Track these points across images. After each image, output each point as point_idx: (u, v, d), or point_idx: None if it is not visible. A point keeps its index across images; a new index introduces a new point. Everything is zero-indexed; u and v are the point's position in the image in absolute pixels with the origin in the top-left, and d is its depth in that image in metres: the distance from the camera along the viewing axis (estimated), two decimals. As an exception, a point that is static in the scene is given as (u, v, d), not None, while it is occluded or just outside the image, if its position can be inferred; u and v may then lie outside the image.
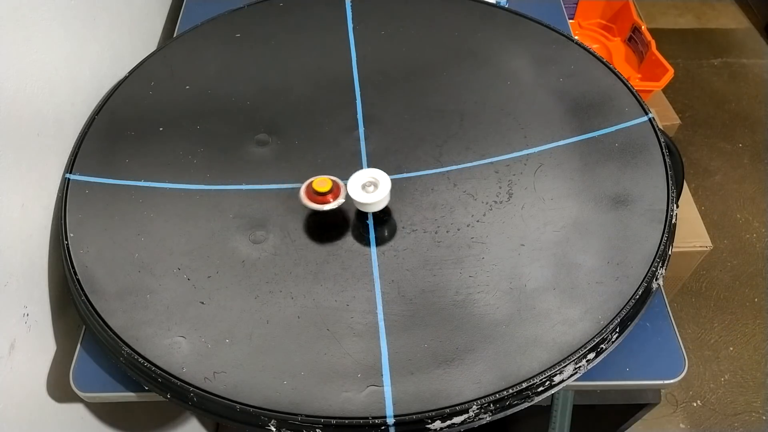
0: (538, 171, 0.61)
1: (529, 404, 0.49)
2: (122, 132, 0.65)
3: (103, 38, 0.70)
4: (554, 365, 0.49)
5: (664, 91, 1.24)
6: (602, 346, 0.51)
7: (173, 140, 0.65)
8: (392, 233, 0.57)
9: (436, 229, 0.58)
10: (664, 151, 0.62)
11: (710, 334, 1.35)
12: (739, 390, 1.27)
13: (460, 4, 0.78)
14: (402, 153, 0.64)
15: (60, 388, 0.59)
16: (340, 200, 0.55)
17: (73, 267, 0.55)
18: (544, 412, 0.66)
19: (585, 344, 0.50)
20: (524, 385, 0.48)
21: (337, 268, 0.55)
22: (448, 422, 0.47)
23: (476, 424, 0.48)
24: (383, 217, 0.59)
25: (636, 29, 1.30)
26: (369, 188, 0.55)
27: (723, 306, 1.39)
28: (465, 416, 0.47)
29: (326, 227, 0.58)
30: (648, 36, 1.25)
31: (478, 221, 0.58)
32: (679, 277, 1.06)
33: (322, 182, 0.54)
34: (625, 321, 0.52)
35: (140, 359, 0.50)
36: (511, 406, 0.49)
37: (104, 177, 0.61)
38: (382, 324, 0.52)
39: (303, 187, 0.55)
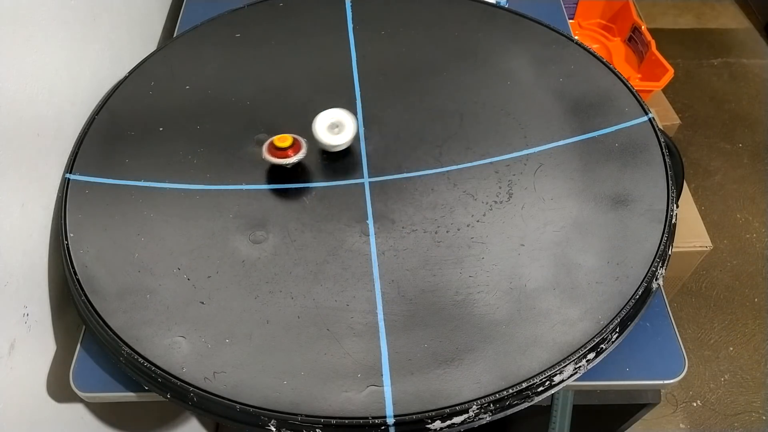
0: (538, 171, 0.61)
1: (529, 404, 0.49)
2: (122, 132, 0.65)
3: (103, 38, 0.70)
4: (554, 365, 0.49)
5: (664, 91, 1.23)
6: (602, 346, 0.51)
7: (173, 140, 0.65)
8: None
9: (436, 229, 0.58)
10: (664, 151, 0.62)
11: (710, 334, 1.35)
12: (739, 390, 1.27)
13: (460, 4, 0.78)
14: (402, 153, 0.64)
15: (60, 388, 0.59)
16: (301, 155, 0.60)
17: (73, 267, 0.55)
18: (544, 412, 0.66)
19: (585, 344, 0.50)
20: (524, 385, 0.48)
21: (337, 268, 0.55)
22: (448, 422, 0.47)
23: (476, 424, 0.48)
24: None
25: (636, 29, 1.30)
26: (334, 129, 0.59)
27: (723, 306, 1.39)
28: (465, 416, 0.47)
29: (326, 227, 0.58)
30: (648, 36, 1.25)
31: (478, 221, 0.58)
32: (679, 277, 1.06)
33: (282, 138, 0.60)
34: (625, 321, 0.52)
35: (140, 359, 0.50)
36: (511, 406, 0.49)
37: (104, 177, 0.61)
38: (382, 324, 0.52)
39: (265, 145, 0.61)
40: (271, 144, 0.60)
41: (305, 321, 0.52)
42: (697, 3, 2.11)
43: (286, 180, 0.62)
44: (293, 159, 0.60)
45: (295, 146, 0.60)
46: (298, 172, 0.62)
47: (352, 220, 0.58)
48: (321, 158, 0.63)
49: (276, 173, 0.62)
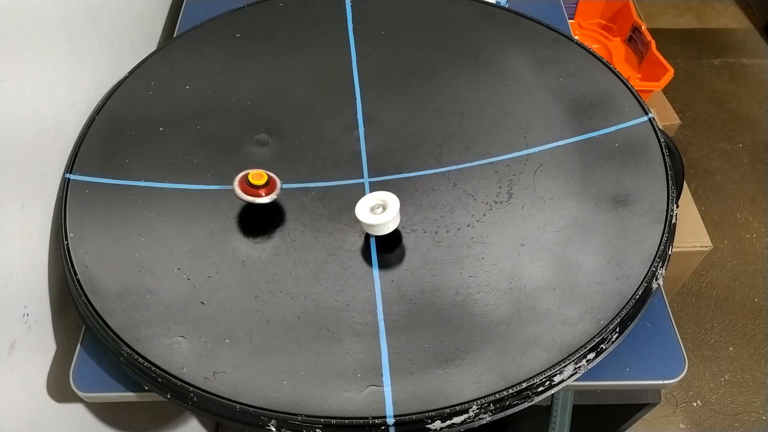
0: (538, 171, 0.61)
1: (529, 404, 0.49)
2: (122, 132, 0.65)
3: (103, 38, 0.70)
4: (554, 365, 0.49)
5: (664, 91, 1.23)
6: (602, 346, 0.51)
7: (173, 140, 0.65)
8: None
9: (436, 229, 0.58)
10: (664, 151, 0.62)
11: (710, 334, 1.35)
12: (739, 390, 1.27)
13: (460, 4, 0.78)
14: (402, 153, 0.64)
15: (60, 388, 0.59)
16: (273, 196, 0.56)
17: (73, 267, 0.55)
18: (544, 412, 0.66)
19: (585, 344, 0.50)
20: (524, 385, 0.48)
21: (337, 268, 0.55)
22: (448, 422, 0.47)
23: (476, 424, 0.48)
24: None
25: (636, 29, 1.30)
26: (377, 210, 0.54)
27: (723, 306, 1.39)
28: (465, 416, 0.47)
29: (326, 227, 0.58)
30: (648, 36, 1.25)
31: (478, 221, 0.58)
32: (679, 277, 1.06)
33: (257, 175, 0.56)
34: (625, 321, 0.52)
35: (140, 359, 0.50)
36: (511, 406, 0.49)
37: (104, 177, 0.61)
38: (382, 324, 0.52)
39: (237, 178, 0.56)
40: (245, 178, 0.56)
41: (305, 321, 0.52)
42: (697, 3, 2.11)
43: (287, 180, 0.62)
44: (265, 199, 0.56)
45: (269, 185, 0.56)
46: (298, 172, 0.62)
47: (352, 220, 0.58)
48: (321, 158, 0.63)
49: (276, 173, 0.62)
